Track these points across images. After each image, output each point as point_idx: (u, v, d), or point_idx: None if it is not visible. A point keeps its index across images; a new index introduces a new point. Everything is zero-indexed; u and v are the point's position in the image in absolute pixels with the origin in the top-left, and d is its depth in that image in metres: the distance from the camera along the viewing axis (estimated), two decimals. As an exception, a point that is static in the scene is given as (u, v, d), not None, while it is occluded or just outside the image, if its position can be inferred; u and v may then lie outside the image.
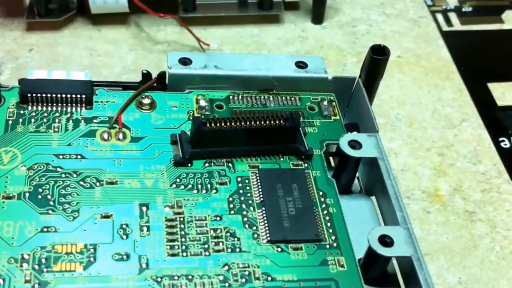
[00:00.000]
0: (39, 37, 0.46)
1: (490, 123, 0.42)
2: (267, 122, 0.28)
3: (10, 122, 0.29)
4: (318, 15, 0.48)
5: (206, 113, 0.31)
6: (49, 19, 0.46)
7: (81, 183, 0.28)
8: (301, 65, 0.32)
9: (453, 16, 0.50)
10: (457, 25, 0.50)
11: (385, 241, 0.26)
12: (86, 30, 0.47)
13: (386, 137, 0.41)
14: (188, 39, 0.46)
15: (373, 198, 0.31)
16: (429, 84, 0.45)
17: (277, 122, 0.28)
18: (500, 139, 0.42)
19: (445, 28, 0.49)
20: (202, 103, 0.31)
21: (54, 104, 0.30)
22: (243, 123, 0.28)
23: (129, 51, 0.46)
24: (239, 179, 0.29)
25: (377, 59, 0.31)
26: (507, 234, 0.37)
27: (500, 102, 0.44)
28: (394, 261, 0.27)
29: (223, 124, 0.28)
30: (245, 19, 0.48)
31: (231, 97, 0.32)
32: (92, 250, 0.25)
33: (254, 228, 0.27)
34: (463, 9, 0.51)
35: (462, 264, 0.35)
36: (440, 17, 0.50)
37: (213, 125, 0.28)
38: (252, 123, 0.28)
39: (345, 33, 0.48)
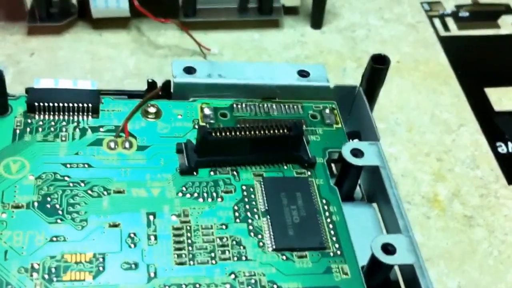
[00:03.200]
0: (40, 41, 0.47)
1: (487, 128, 0.43)
2: (271, 132, 0.29)
3: (18, 131, 0.29)
4: (317, 20, 0.49)
5: (211, 121, 0.31)
6: (50, 23, 0.47)
7: (89, 192, 0.28)
8: (303, 73, 0.33)
9: (450, 21, 0.51)
10: (454, 30, 0.50)
11: (388, 249, 0.26)
12: (87, 34, 0.47)
13: (386, 142, 0.42)
14: (189, 44, 0.47)
15: (374, 204, 0.31)
16: (427, 89, 0.46)
17: (281, 131, 0.29)
18: (497, 144, 0.42)
19: (443, 33, 0.50)
20: (207, 111, 0.32)
21: (61, 113, 0.30)
22: (247, 133, 0.28)
23: (130, 55, 0.46)
24: (244, 187, 0.29)
25: (378, 69, 0.31)
26: (504, 239, 0.37)
27: (497, 107, 0.45)
28: (396, 268, 0.28)
29: (228, 133, 0.28)
30: (245, 24, 0.49)
31: (234, 105, 0.32)
32: (101, 259, 0.26)
33: (260, 236, 0.28)
34: (460, 14, 0.52)
35: (461, 269, 0.36)
36: (437, 22, 0.51)
37: (218, 134, 0.28)
38: (257, 132, 0.28)
39: (344, 37, 0.49)
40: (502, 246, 0.37)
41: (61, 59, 0.46)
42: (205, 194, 0.29)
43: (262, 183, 0.29)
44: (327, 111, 0.33)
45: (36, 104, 0.30)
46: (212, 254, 0.27)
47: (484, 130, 0.43)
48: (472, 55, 0.49)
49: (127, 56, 0.46)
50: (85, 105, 0.30)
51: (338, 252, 0.27)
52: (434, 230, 0.37)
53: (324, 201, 0.29)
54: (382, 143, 0.31)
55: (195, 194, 0.28)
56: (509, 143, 0.42)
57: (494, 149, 0.42)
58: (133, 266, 0.26)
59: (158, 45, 0.47)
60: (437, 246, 0.37)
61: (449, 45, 0.49)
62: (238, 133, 0.28)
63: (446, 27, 0.50)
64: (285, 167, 0.30)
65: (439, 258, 0.36)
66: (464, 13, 0.52)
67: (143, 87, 0.43)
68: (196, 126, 0.31)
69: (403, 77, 0.47)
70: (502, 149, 0.42)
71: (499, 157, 0.41)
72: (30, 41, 0.46)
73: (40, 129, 0.30)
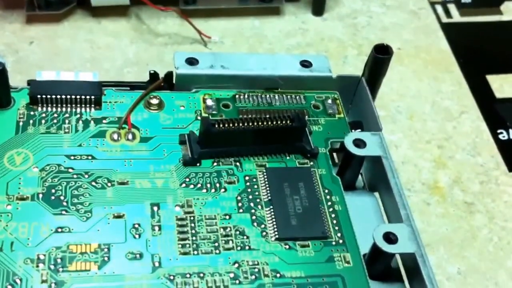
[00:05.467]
0: (39, 29, 0.46)
1: (489, 115, 0.43)
2: (274, 123, 0.29)
3: (21, 123, 0.30)
4: (318, 7, 0.49)
5: (213, 112, 0.31)
6: (49, 12, 0.46)
7: (93, 183, 0.28)
8: (305, 64, 0.33)
9: (452, 8, 0.51)
10: (456, 17, 0.50)
11: (390, 238, 0.27)
12: (86, 22, 0.47)
13: (386, 130, 0.42)
14: (189, 32, 0.47)
15: (376, 193, 0.31)
16: (428, 76, 0.46)
17: (284, 122, 0.29)
18: (498, 131, 0.42)
19: (445, 19, 0.50)
20: (209, 102, 0.32)
21: (64, 105, 0.30)
22: (250, 124, 0.28)
23: (130, 43, 0.46)
24: (247, 178, 0.29)
25: (380, 58, 0.31)
26: (505, 225, 0.38)
27: (498, 94, 0.45)
28: (398, 256, 0.28)
29: (231, 125, 0.28)
30: (246, 11, 0.49)
31: (237, 96, 0.32)
32: (106, 250, 0.26)
33: (263, 226, 0.28)
34: (462, 1, 0.51)
35: (461, 254, 0.36)
36: (439, 8, 0.51)
37: (221, 126, 0.28)
38: (260, 123, 0.29)
39: (345, 25, 0.49)
40: (502, 233, 0.37)
41: (60, 47, 0.45)
42: (208, 185, 0.29)
43: (265, 173, 0.29)
44: (330, 101, 0.33)
45: (39, 96, 0.30)
46: (216, 244, 0.27)
47: (485, 117, 0.43)
48: (474, 42, 0.49)
49: (126, 45, 0.46)
50: (88, 97, 0.30)
51: (340, 241, 0.28)
52: (434, 217, 0.38)
53: (326, 191, 0.29)
54: (383, 130, 0.31)
55: (199, 185, 0.29)
56: (510, 130, 0.42)
57: (495, 136, 0.42)
58: (137, 256, 0.26)
59: (158, 33, 0.47)
60: (437, 232, 0.37)
61: (451, 32, 0.49)
62: (241, 124, 0.28)
63: (448, 14, 0.50)
64: (288, 157, 0.30)
65: (438, 243, 0.36)
66: (466, 0, 0.51)
67: (143, 75, 0.43)
68: (199, 117, 0.31)
69: (404, 64, 0.47)
70: (503, 136, 0.42)
71: (500, 144, 0.42)
72: (29, 30, 0.46)
73: (43, 121, 0.30)
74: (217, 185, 0.29)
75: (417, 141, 0.42)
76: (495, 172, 0.40)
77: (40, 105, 0.30)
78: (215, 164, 0.29)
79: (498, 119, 0.43)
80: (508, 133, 0.42)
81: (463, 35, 0.49)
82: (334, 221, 0.28)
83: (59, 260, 0.26)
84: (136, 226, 0.27)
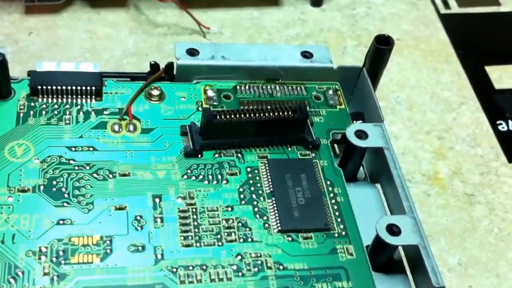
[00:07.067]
0: (38, 20, 0.46)
1: (488, 106, 0.43)
2: (276, 114, 0.29)
3: (22, 114, 0.29)
4: (317, -2, 0.49)
5: (214, 103, 0.31)
6: (48, 2, 0.46)
7: (94, 175, 0.28)
8: (306, 54, 0.32)
9: (451, -2, 0.51)
10: (454, 8, 0.50)
11: (393, 230, 0.27)
12: (85, 13, 0.47)
13: (386, 121, 0.41)
14: (188, 22, 0.46)
15: (378, 185, 0.31)
16: (428, 67, 0.46)
17: (285, 113, 0.29)
18: (498, 122, 0.42)
19: (443, 10, 0.50)
20: (210, 93, 0.32)
21: (64, 96, 0.30)
22: (252, 115, 0.28)
23: (129, 34, 0.46)
24: (248, 169, 0.29)
25: (382, 49, 0.31)
26: (505, 216, 0.38)
27: (497, 85, 0.45)
28: (400, 248, 0.28)
29: (233, 116, 0.28)
30: (245, 2, 0.48)
31: (238, 87, 0.32)
32: (108, 242, 0.26)
33: (265, 218, 0.28)
34: (461, -9, 0.51)
35: (461, 246, 0.36)
36: (438, -1, 0.51)
37: (223, 117, 0.28)
38: (261, 115, 0.28)
39: (344, 15, 0.49)
40: (503, 224, 0.37)
41: (59, 38, 0.45)
42: (210, 177, 0.29)
43: (266, 165, 0.29)
44: (331, 92, 0.33)
45: (39, 87, 0.30)
46: (218, 236, 0.27)
47: (484, 108, 0.43)
48: (472, 32, 0.49)
49: (125, 35, 0.46)
50: (88, 88, 0.30)
51: (343, 233, 0.28)
52: (434, 208, 0.38)
53: (328, 182, 0.29)
54: (383, 121, 0.31)
55: (200, 177, 0.29)
56: (509, 121, 0.43)
57: (494, 127, 0.42)
58: (140, 248, 0.26)
59: (157, 24, 0.47)
60: (437, 223, 0.37)
61: (450, 22, 0.49)
62: (243, 115, 0.28)
63: (446, 5, 0.50)
64: (290, 148, 0.30)
65: (439, 235, 0.36)
66: (464, -9, 0.51)
67: (142, 66, 0.43)
68: (200, 108, 0.31)
69: (404, 55, 0.46)
70: (502, 127, 0.42)
71: (499, 135, 0.42)
72: (28, 20, 0.46)
73: (43, 113, 0.30)
74: (219, 176, 0.29)
75: (417, 132, 0.42)
76: (495, 163, 0.40)
77: (40, 96, 0.30)
78: (216, 155, 0.29)
79: (497, 110, 0.43)
80: (507, 124, 0.42)
81: (461, 26, 0.49)
82: (337, 213, 0.28)
83: (61, 253, 0.25)
84: (138, 218, 0.27)
